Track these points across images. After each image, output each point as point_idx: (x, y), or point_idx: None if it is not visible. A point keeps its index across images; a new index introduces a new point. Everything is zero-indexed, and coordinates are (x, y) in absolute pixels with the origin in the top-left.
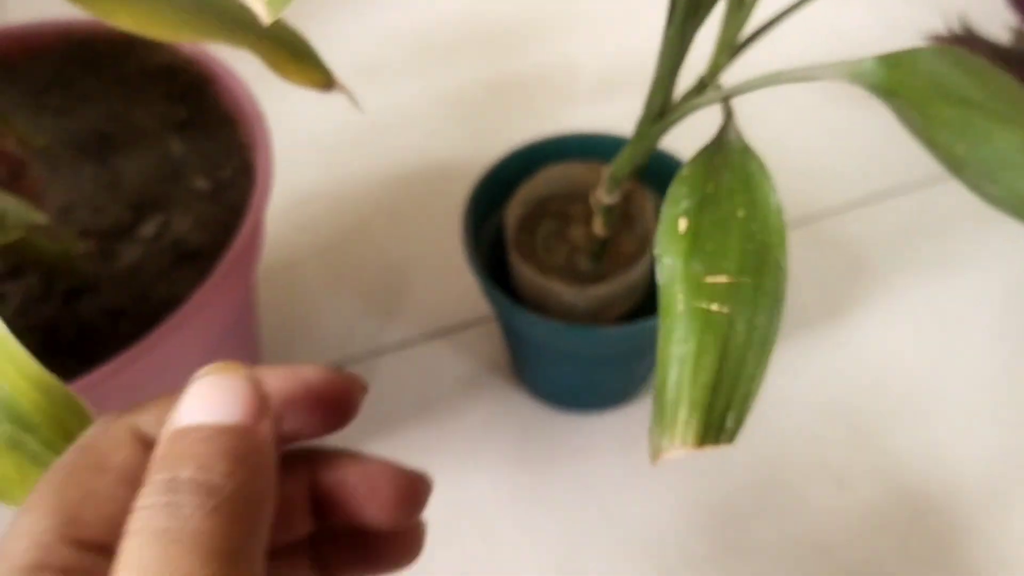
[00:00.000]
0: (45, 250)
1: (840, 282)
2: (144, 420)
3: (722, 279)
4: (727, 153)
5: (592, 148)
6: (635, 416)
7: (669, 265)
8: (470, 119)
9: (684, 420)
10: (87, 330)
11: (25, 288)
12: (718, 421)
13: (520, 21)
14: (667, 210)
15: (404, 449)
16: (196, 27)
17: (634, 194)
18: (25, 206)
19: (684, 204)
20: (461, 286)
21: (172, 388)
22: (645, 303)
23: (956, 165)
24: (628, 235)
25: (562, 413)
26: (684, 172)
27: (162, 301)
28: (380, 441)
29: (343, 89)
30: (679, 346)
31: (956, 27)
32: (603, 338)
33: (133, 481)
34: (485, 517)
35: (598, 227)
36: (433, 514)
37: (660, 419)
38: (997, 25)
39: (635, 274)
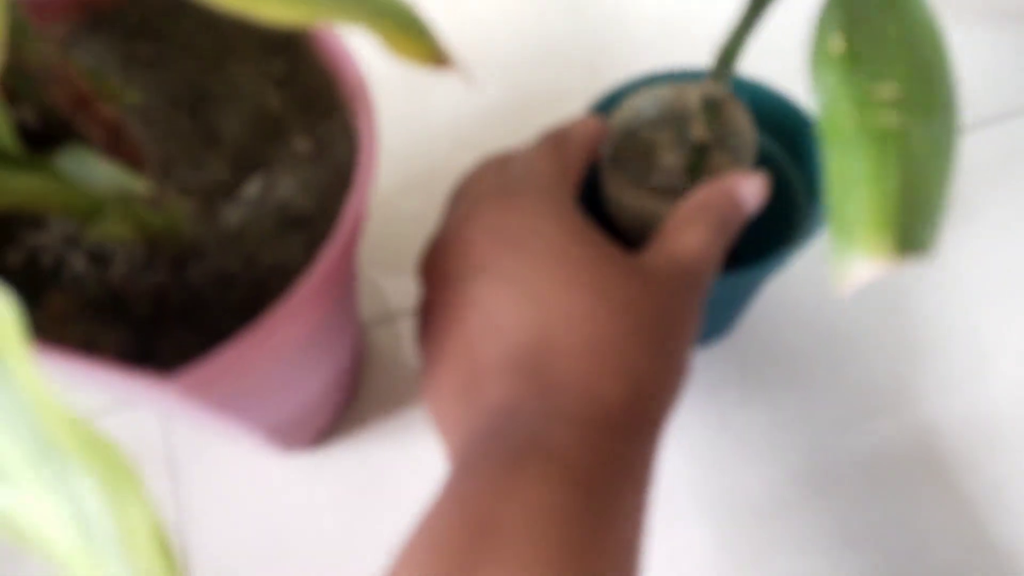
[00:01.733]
0: (150, 220)
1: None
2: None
3: (890, 92)
4: None
5: (682, 80)
6: (728, 355)
7: (829, 85)
8: (547, 40)
9: (873, 233)
10: (197, 297)
11: (130, 256)
12: (913, 226)
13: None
14: (816, 35)
15: None
16: (307, 6)
17: (727, 104)
18: (127, 174)
19: (834, 24)
20: None
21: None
22: (743, 237)
23: None
24: (721, 152)
25: None
26: None
27: (270, 268)
28: None
29: (456, 65)
30: (855, 164)
31: None
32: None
33: (583, 151)
34: None
35: (699, 129)
36: None
37: (844, 236)
38: None
39: None
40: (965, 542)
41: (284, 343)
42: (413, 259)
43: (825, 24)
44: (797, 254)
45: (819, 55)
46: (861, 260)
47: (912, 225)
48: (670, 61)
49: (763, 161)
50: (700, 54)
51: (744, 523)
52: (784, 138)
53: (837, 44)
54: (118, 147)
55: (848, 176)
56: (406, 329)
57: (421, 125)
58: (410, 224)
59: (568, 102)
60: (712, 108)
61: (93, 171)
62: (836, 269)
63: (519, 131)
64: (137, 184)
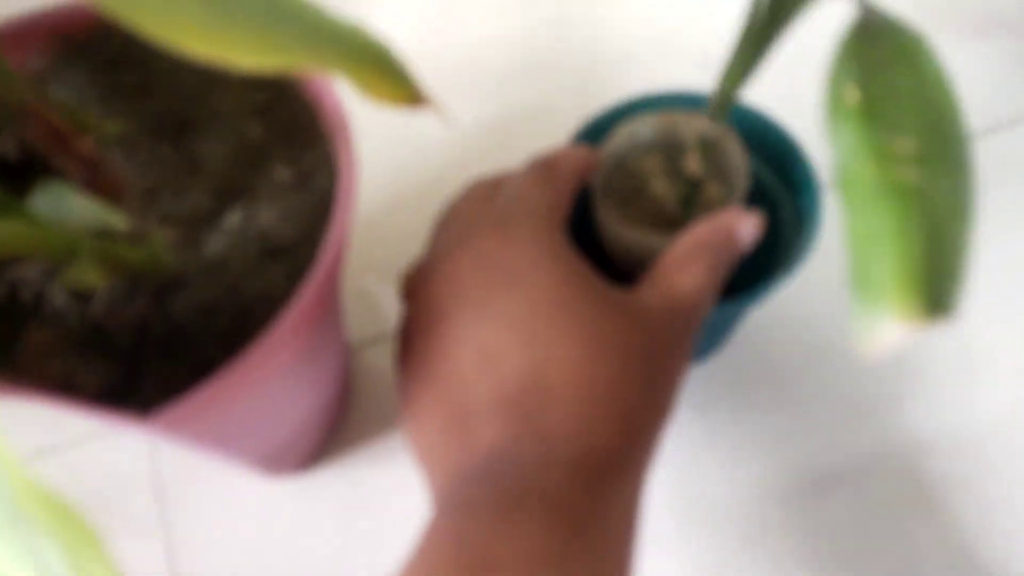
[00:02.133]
0: (128, 256)
1: None
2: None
3: (908, 147)
4: (875, 27)
5: (669, 104)
6: (717, 374)
7: (848, 138)
8: (529, 66)
9: (902, 295)
10: (179, 328)
11: (111, 289)
12: (937, 293)
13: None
14: (831, 87)
15: None
16: (278, 50)
17: (723, 139)
18: (104, 209)
19: (848, 78)
20: None
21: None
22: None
23: None
24: (716, 183)
25: None
26: (841, 50)
27: (254, 297)
28: None
29: (433, 104)
30: (877, 220)
31: None
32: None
33: (572, 182)
34: None
35: (693, 162)
36: None
37: (869, 299)
38: None
39: None
40: (955, 563)
41: (268, 373)
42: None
43: (839, 75)
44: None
45: (834, 107)
46: (890, 323)
47: (940, 286)
48: (658, 79)
49: (752, 186)
50: (687, 72)
51: (730, 544)
52: (772, 162)
53: (852, 95)
54: (96, 181)
55: (871, 234)
56: (390, 354)
57: (412, 142)
58: (400, 243)
59: (558, 120)
60: (708, 145)
61: (70, 208)
62: (862, 332)
63: (510, 148)
64: (115, 219)
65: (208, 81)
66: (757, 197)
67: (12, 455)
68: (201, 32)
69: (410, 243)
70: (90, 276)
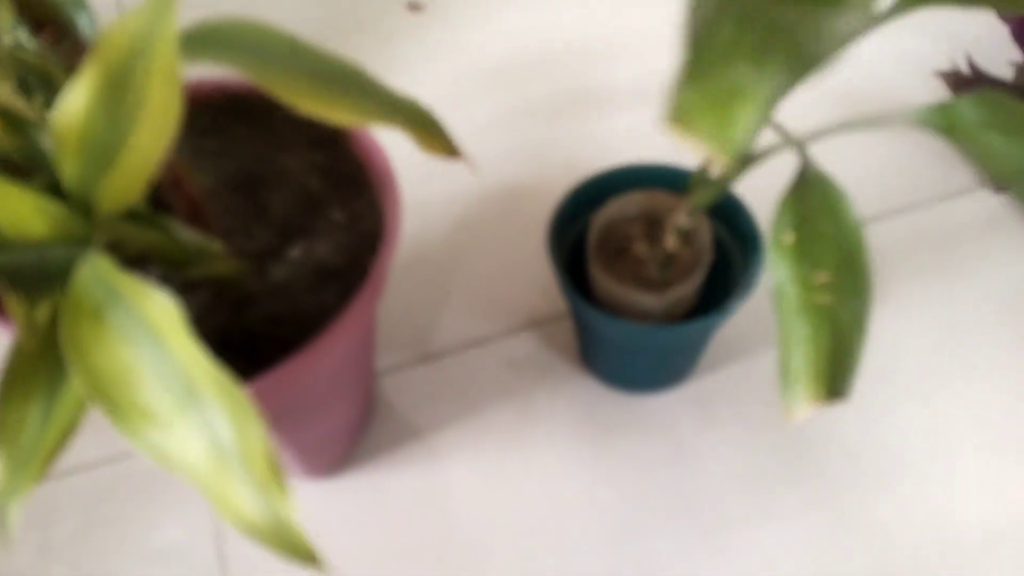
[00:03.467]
0: (219, 271)
1: None
2: None
3: (824, 278)
4: (810, 182)
5: (648, 176)
6: (682, 398)
7: (782, 272)
8: (531, 139)
9: (812, 386)
10: (252, 334)
11: (199, 301)
12: (837, 384)
13: (566, 52)
14: (774, 229)
15: (486, 427)
16: (362, 112)
17: (695, 222)
18: (204, 238)
19: (787, 224)
20: (530, 290)
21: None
22: (697, 304)
23: (1005, 178)
24: (687, 249)
25: (621, 395)
26: (782, 200)
27: (311, 311)
28: (467, 421)
29: (464, 157)
30: (798, 331)
31: (963, 63)
32: (678, 333)
33: None
34: (554, 485)
35: (671, 243)
36: (508, 483)
37: (791, 387)
38: (1002, 60)
39: (698, 280)
40: None
41: (322, 367)
42: (415, 321)
43: (780, 221)
44: (738, 308)
45: (775, 245)
46: (802, 404)
47: (838, 379)
48: (638, 158)
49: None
50: (662, 154)
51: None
52: (725, 217)
53: (788, 238)
54: (196, 217)
55: (792, 339)
56: (406, 381)
57: (424, 209)
58: (415, 292)
59: (549, 191)
60: (684, 231)
61: (182, 233)
62: (784, 407)
63: (509, 213)
64: (213, 245)
65: (276, 146)
66: (715, 245)
67: (189, 338)
68: (312, 97)
69: (424, 292)
70: (203, 271)
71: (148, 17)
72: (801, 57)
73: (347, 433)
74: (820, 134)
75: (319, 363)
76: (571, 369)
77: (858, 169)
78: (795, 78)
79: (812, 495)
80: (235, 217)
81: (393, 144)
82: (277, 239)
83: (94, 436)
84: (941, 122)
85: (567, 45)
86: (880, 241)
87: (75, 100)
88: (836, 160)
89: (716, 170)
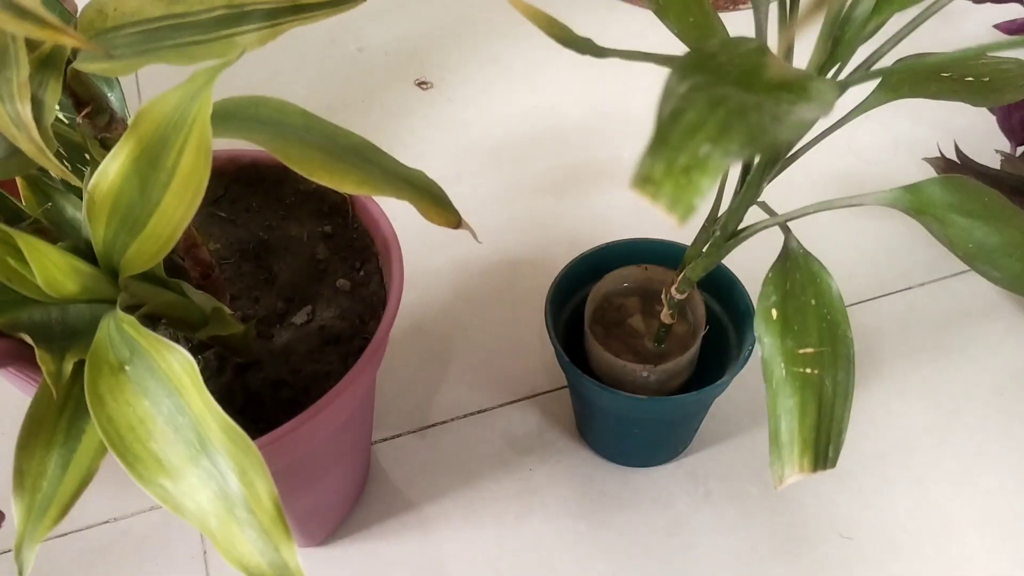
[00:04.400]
0: (227, 334)
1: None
2: None
3: (809, 350)
4: (794, 259)
5: (643, 251)
6: (677, 473)
7: (768, 344)
8: (533, 213)
9: (799, 454)
10: (255, 396)
11: (205, 362)
12: (823, 453)
13: (569, 130)
14: (760, 303)
15: (482, 499)
16: (371, 183)
17: (689, 295)
18: (213, 301)
19: (772, 298)
20: (529, 362)
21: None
22: (691, 378)
23: (969, 257)
24: (682, 322)
25: (617, 468)
26: (768, 276)
27: (312, 375)
28: (463, 492)
29: (467, 227)
30: (785, 401)
31: (952, 151)
32: (673, 405)
33: None
34: (549, 558)
35: (666, 316)
36: (505, 552)
37: (779, 455)
38: (989, 149)
39: (692, 352)
40: None
41: (321, 431)
42: (412, 390)
43: (766, 296)
44: (731, 381)
45: (761, 319)
46: (789, 471)
47: (824, 448)
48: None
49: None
50: (658, 229)
51: None
52: (719, 292)
53: (774, 313)
54: (207, 281)
55: (780, 408)
56: (403, 451)
57: (426, 278)
58: (414, 361)
59: (550, 264)
60: (679, 304)
61: (194, 295)
62: (773, 473)
63: (509, 285)
64: (223, 308)
65: (285, 215)
66: (710, 319)
67: (204, 391)
68: (324, 170)
69: (425, 361)
70: (212, 332)
71: (187, 94)
72: (758, 139)
73: (343, 501)
74: (802, 213)
75: (319, 426)
76: (568, 442)
77: (854, 251)
78: (752, 155)
79: (805, 573)
80: (243, 282)
81: (398, 214)
82: (282, 304)
83: (88, 498)
84: (910, 203)
85: (570, 124)
86: (875, 321)
87: (111, 170)
88: (832, 241)
89: (673, 226)
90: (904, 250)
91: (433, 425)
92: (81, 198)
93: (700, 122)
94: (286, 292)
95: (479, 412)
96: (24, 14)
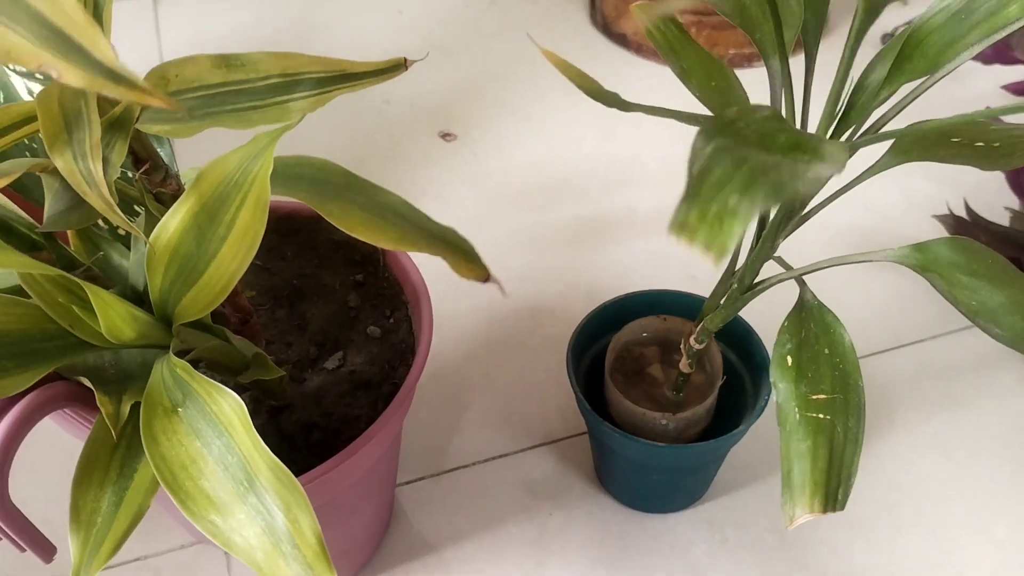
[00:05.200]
0: (265, 378)
1: (867, 414)
2: None
3: (822, 396)
4: (808, 310)
5: (662, 302)
6: (694, 520)
7: (783, 389)
8: (553, 262)
9: (810, 495)
10: (287, 438)
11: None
12: (833, 495)
13: (589, 181)
14: (776, 351)
15: (501, 543)
16: (408, 240)
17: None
18: (251, 345)
19: (788, 346)
20: (548, 408)
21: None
22: (709, 426)
23: (972, 313)
24: (700, 372)
25: (635, 514)
26: (784, 325)
27: (342, 419)
28: (482, 535)
29: (495, 280)
30: (799, 444)
31: (962, 208)
32: (691, 453)
33: None
34: None
35: (684, 365)
36: None
37: (791, 496)
38: (999, 205)
39: (710, 401)
40: None
41: (352, 473)
42: (435, 434)
43: (781, 344)
44: (747, 430)
45: (777, 365)
46: (800, 512)
47: (834, 490)
48: (653, 286)
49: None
50: (676, 281)
51: None
52: (736, 343)
53: (789, 360)
54: (244, 327)
55: (793, 452)
56: (424, 494)
57: (449, 325)
58: (437, 405)
59: (569, 313)
60: (697, 354)
61: (235, 341)
62: (785, 513)
63: (530, 333)
64: (265, 354)
65: (319, 264)
66: (727, 369)
67: (252, 432)
68: (363, 225)
69: (445, 407)
70: (253, 377)
71: (248, 155)
72: (779, 192)
73: (368, 542)
74: (816, 267)
75: (352, 467)
76: (587, 487)
77: (868, 303)
78: (776, 204)
79: None
80: (277, 328)
81: (424, 262)
82: (315, 350)
83: None
84: (917, 261)
85: (588, 175)
86: (888, 373)
87: (172, 224)
88: (847, 294)
89: (713, 268)
90: (917, 304)
91: (454, 469)
92: (128, 248)
93: (727, 177)
94: (318, 338)
95: (499, 457)
96: (119, 79)
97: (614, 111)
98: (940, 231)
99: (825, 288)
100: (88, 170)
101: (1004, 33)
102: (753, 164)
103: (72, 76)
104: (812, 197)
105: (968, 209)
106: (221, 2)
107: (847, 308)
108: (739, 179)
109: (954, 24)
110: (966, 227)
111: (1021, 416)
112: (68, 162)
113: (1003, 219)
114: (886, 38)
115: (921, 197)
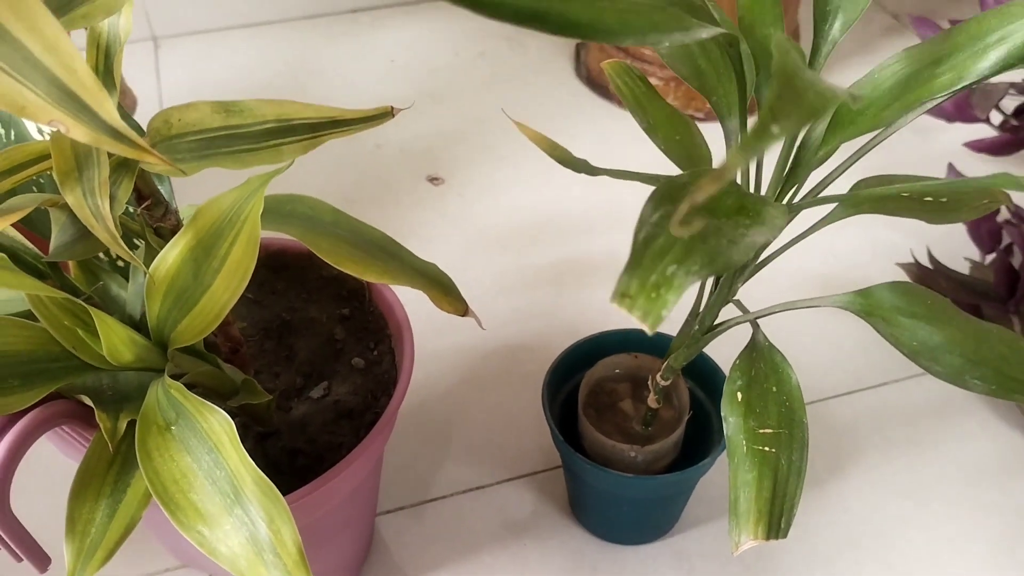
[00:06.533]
0: (253, 404)
1: (826, 456)
2: None
3: (768, 430)
4: (759, 350)
5: (634, 340)
6: (664, 551)
7: (733, 422)
8: (533, 302)
9: (754, 523)
10: (273, 463)
11: None
12: (776, 523)
13: (569, 225)
14: (727, 386)
15: (477, 573)
16: (391, 274)
17: (675, 378)
18: (240, 373)
19: (738, 383)
20: (525, 442)
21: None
22: (677, 459)
23: (913, 354)
24: (668, 407)
25: (607, 546)
26: (736, 363)
27: (326, 446)
28: (459, 565)
29: (473, 315)
30: (745, 474)
31: (925, 256)
32: (659, 484)
33: None
34: None
35: (652, 401)
36: None
37: (736, 523)
38: (961, 255)
39: (677, 435)
40: None
41: (335, 494)
42: (414, 466)
43: (732, 380)
44: (712, 462)
45: (728, 401)
46: (745, 538)
47: (778, 519)
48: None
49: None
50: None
51: None
52: (703, 380)
53: (739, 396)
54: (234, 357)
55: (739, 481)
56: (403, 524)
57: (431, 360)
58: (417, 438)
59: (548, 350)
60: (664, 390)
61: (225, 368)
62: (731, 539)
63: (509, 370)
64: (251, 382)
65: (306, 298)
66: (694, 405)
67: (239, 447)
68: (351, 260)
69: (430, 440)
70: (242, 401)
71: (242, 195)
72: (716, 261)
73: (345, 570)
74: (768, 312)
75: (332, 491)
76: (561, 519)
77: (833, 347)
78: (713, 272)
79: None
80: (265, 358)
81: (409, 299)
82: (301, 379)
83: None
84: (861, 306)
85: (570, 219)
86: (851, 413)
87: (170, 256)
88: (811, 339)
89: (649, 333)
90: (879, 348)
91: (433, 500)
92: (125, 278)
93: (668, 247)
94: (305, 368)
95: (477, 488)
96: (120, 137)
97: (601, 159)
98: (903, 278)
99: (790, 332)
100: (96, 206)
101: (933, 103)
102: (693, 230)
103: (79, 132)
104: (748, 261)
105: (931, 257)
106: (219, 46)
107: (810, 351)
108: (679, 248)
109: (891, 90)
110: (929, 275)
111: (978, 458)
112: (78, 198)
113: (964, 268)
114: None
115: (886, 246)
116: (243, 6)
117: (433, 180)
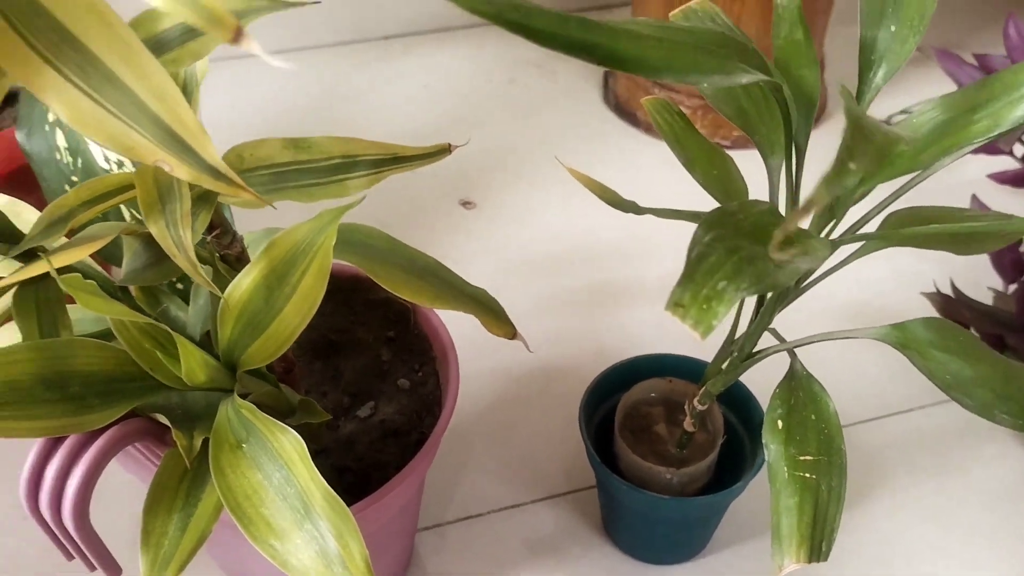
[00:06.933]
0: (309, 422)
1: (854, 479)
2: None
3: (809, 457)
4: (798, 379)
5: (668, 365)
6: (695, 571)
7: (774, 450)
8: (567, 326)
9: (797, 547)
10: None
11: None
12: (817, 547)
13: (602, 250)
14: (768, 415)
15: None
16: (443, 299)
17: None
18: (296, 394)
19: (779, 411)
20: (559, 462)
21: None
22: (710, 482)
23: (946, 386)
24: (702, 431)
25: (639, 565)
26: (776, 391)
27: (373, 464)
28: None
29: (521, 338)
30: (787, 500)
31: (949, 287)
32: (693, 505)
33: None
34: None
35: (689, 424)
36: None
37: (779, 547)
38: (984, 285)
39: (711, 458)
40: None
41: (384, 512)
42: (452, 483)
43: (773, 409)
44: (746, 486)
45: (768, 428)
46: (788, 561)
47: (819, 543)
48: (659, 349)
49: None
50: (681, 345)
51: None
52: (737, 406)
53: (780, 424)
54: (288, 376)
55: (781, 507)
56: (440, 541)
57: (470, 382)
58: (455, 456)
59: (581, 373)
60: (700, 415)
61: (282, 388)
62: (774, 563)
63: (544, 392)
64: (310, 400)
65: (354, 320)
66: (727, 429)
67: (310, 465)
68: (404, 285)
69: (468, 458)
70: (300, 420)
71: (315, 228)
72: (763, 280)
73: None
74: (806, 342)
75: (382, 509)
76: (594, 538)
77: (862, 374)
78: (759, 291)
79: None
80: (313, 378)
81: (451, 322)
82: (348, 399)
83: None
84: (897, 339)
85: (601, 245)
86: (880, 439)
87: (244, 282)
88: (842, 364)
89: (696, 340)
90: (908, 375)
91: (469, 517)
92: (185, 301)
93: (719, 264)
94: (351, 388)
95: (513, 507)
96: (219, 176)
97: (628, 186)
98: (928, 307)
99: (822, 358)
100: (179, 236)
101: (970, 148)
102: (744, 254)
103: (182, 172)
104: (794, 283)
105: (954, 288)
106: (256, 73)
107: (841, 377)
108: (729, 266)
109: (929, 135)
110: (952, 304)
111: (1002, 482)
112: (161, 228)
113: (988, 297)
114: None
115: (911, 275)
116: (279, 33)
117: (466, 204)
